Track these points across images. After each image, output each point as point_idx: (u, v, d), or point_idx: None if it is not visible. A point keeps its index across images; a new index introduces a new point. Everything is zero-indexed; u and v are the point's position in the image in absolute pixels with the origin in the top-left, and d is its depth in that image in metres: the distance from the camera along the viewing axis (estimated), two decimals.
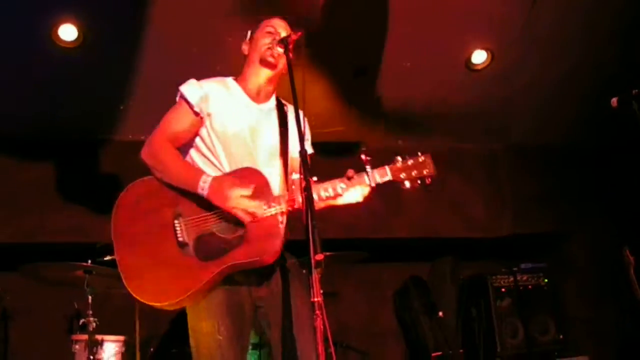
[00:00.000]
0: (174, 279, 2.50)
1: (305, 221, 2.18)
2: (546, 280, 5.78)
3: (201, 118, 2.70)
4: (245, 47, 2.88)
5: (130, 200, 2.66)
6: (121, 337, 4.27)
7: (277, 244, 2.49)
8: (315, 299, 2.12)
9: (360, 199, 2.59)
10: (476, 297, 5.77)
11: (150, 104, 4.98)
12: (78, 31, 4.43)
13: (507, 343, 5.52)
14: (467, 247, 6.05)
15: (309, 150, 2.82)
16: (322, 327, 2.10)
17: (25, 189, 5.05)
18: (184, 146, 2.75)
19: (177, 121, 2.71)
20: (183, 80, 4.71)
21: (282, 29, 2.82)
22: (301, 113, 2.64)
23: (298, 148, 2.36)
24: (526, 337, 5.55)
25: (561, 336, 5.61)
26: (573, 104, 5.60)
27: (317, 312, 2.11)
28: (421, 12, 4.64)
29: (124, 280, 2.52)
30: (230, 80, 2.86)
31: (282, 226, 2.52)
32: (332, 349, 2.17)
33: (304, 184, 2.26)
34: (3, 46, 4.44)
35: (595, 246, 5.97)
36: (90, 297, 4.13)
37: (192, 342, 2.61)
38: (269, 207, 2.53)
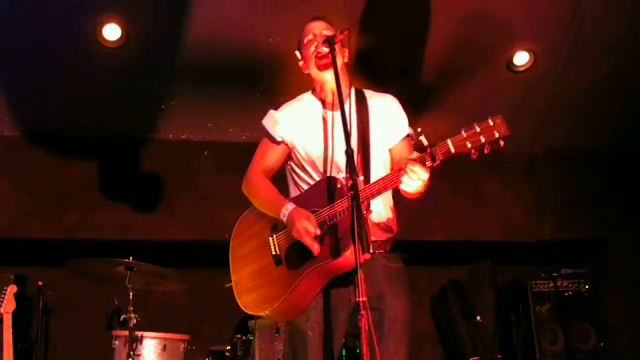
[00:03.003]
0: (270, 291, 2.64)
1: (352, 221, 2.18)
2: (587, 286, 5.67)
3: (286, 145, 2.84)
4: (302, 66, 2.92)
5: (241, 228, 2.90)
6: (161, 334, 4.31)
7: (349, 245, 2.41)
8: (361, 299, 2.11)
9: (420, 183, 2.40)
10: (515, 302, 5.69)
11: (192, 104, 5.08)
12: (122, 31, 4.49)
13: (546, 350, 5.43)
14: (507, 251, 5.96)
15: (407, 130, 2.82)
16: (367, 327, 2.09)
17: (69, 186, 5.13)
18: (282, 170, 2.94)
19: (264, 154, 2.90)
20: (223, 81, 4.84)
21: (319, 29, 2.83)
22: (388, 99, 2.87)
23: (393, 138, 2.56)
24: (566, 344, 5.46)
25: (602, 344, 5.50)
26: (616, 106, 5.49)
27: (363, 312, 2.10)
28: (464, 13, 4.60)
29: (235, 297, 2.78)
30: (307, 95, 2.93)
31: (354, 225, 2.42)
32: (377, 351, 2.16)
33: (350, 183, 2.25)
34: (48, 45, 4.53)
35: (637, 252, 5.84)
36: (131, 294, 4.17)
37: (287, 336, 2.79)
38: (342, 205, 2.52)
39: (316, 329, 2.61)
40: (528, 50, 4.99)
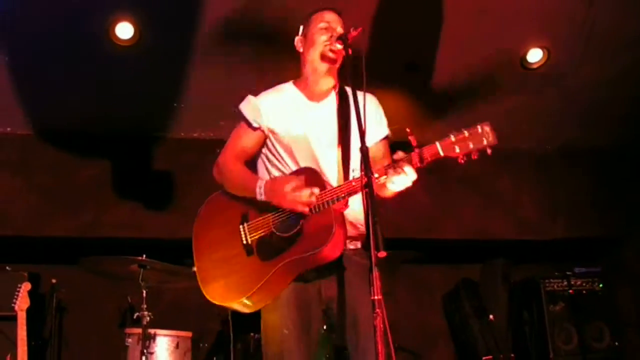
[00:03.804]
0: (239, 280, 2.60)
1: (366, 218, 2.16)
2: (601, 285, 5.64)
3: (263, 132, 2.79)
4: (299, 44, 2.88)
5: (208, 212, 2.82)
6: (173, 332, 4.31)
7: (331, 237, 2.44)
8: (376, 297, 2.10)
9: (409, 182, 2.44)
10: (528, 301, 5.66)
11: (203, 102, 5.09)
12: (134, 29, 4.50)
13: (560, 349, 5.40)
14: (519, 250, 5.94)
15: (386, 132, 2.82)
16: (382, 325, 2.08)
17: (82, 185, 5.15)
18: (254, 158, 2.87)
19: (240, 139, 2.84)
20: (234, 80, 4.84)
21: (335, 23, 2.81)
22: (371, 99, 2.76)
23: (371, 137, 2.49)
24: (580, 343, 5.42)
25: (616, 343, 5.46)
26: (629, 104, 5.46)
27: (377, 310, 2.08)
28: (477, 9, 4.58)
29: (200, 285, 2.69)
30: (288, 85, 2.89)
31: (338, 219, 2.48)
32: (392, 350, 2.14)
33: (365, 181, 2.23)
34: (61, 44, 4.56)
35: None
36: (144, 292, 4.18)
37: (262, 334, 2.71)
38: (323, 197, 2.50)
39: (290, 326, 2.58)
40: (542, 47, 4.96)
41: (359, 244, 2.72)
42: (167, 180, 5.25)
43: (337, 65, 2.78)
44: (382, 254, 2.08)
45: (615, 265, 5.97)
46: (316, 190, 2.49)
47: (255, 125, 2.77)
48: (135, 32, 4.51)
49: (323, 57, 2.76)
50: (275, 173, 2.76)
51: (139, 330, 4.14)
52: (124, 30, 4.50)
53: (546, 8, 4.67)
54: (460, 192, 5.54)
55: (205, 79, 4.90)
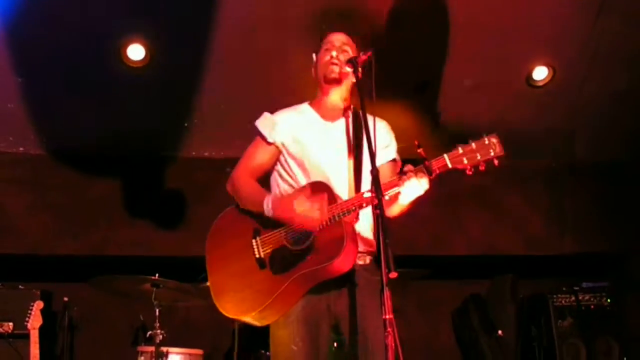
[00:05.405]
0: (252, 294, 2.60)
1: (377, 239, 2.21)
2: (609, 300, 5.63)
3: (277, 148, 2.83)
4: (313, 71, 2.97)
5: (220, 227, 2.84)
6: (186, 350, 4.34)
7: (343, 250, 2.46)
8: (387, 316, 2.12)
9: (421, 191, 2.46)
10: (536, 316, 5.65)
11: (213, 122, 5.15)
12: (145, 51, 4.59)
13: None
14: (528, 265, 5.94)
15: (393, 155, 2.89)
16: (393, 344, 2.11)
17: (93, 203, 5.22)
18: (268, 174, 2.90)
19: (255, 155, 2.88)
20: (245, 99, 4.91)
21: (340, 42, 2.88)
22: (382, 125, 2.83)
23: (380, 159, 2.59)
24: (589, 358, 5.40)
25: (625, 358, 5.44)
26: (635, 120, 5.48)
27: (389, 329, 2.11)
28: (482, 29, 4.64)
29: (213, 298, 2.70)
30: (304, 105, 2.96)
31: (349, 232, 2.51)
32: None
33: (375, 202, 2.27)
34: (74, 65, 4.65)
35: None
36: (157, 310, 4.21)
37: (271, 350, 2.73)
38: (333, 210, 2.52)
39: (299, 342, 2.59)
40: (547, 65, 5.01)
41: (368, 259, 2.73)
42: (178, 198, 5.30)
43: (346, 86, 2.85)
44: (394, 274, 2.11)
45: (624, 280, 5.96)
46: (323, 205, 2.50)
47: (269, 140, 2.82)
48: (146, 54, 4.59)
49: (325, 79, 2.84)
50: (286, 188, 2.79)
51: (152, 349, 4.17)
52: (136, 52, 4.59)
53: (551, 26, 4.72)
54: (468, 208, 5.57)
55: (215, 99, 4.97)
